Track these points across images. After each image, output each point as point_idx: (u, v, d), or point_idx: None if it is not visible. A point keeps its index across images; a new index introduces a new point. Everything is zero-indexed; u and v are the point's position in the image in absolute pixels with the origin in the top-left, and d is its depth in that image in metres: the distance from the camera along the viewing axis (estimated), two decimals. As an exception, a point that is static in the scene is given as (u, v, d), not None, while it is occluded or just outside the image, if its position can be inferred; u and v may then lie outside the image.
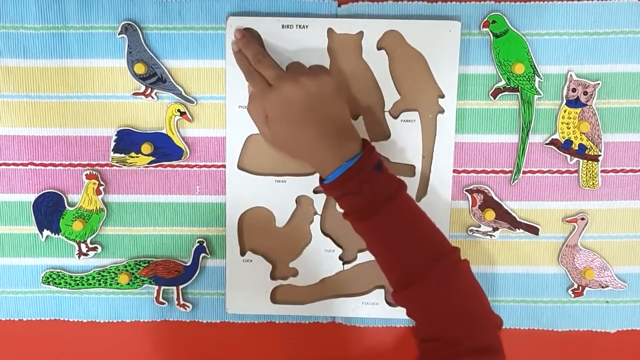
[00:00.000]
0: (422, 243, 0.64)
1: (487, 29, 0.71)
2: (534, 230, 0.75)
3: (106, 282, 0.76)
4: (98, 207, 0.74)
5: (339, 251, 0.76)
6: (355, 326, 0.78)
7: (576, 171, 0.74)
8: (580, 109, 0.73)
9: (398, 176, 0.67)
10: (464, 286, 0.64)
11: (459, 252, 0.65)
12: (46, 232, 0.75)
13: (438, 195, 0.74)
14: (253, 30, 0.70)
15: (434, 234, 0.65)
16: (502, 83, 0.72)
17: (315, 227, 0.75)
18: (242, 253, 0.75)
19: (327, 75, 0.67)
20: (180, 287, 0.76)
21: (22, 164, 0.74)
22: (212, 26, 0.71)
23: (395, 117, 0.73)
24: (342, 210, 0.67)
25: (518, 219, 0.75)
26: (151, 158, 0.74)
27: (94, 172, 0.74)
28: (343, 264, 0.76)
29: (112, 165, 0.74)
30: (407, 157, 0.73)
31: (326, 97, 0.66)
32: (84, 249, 0.75)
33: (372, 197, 0.64)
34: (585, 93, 0.72)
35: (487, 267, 0.76)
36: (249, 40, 0.69)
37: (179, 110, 0.73)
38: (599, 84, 0.72)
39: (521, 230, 0.75)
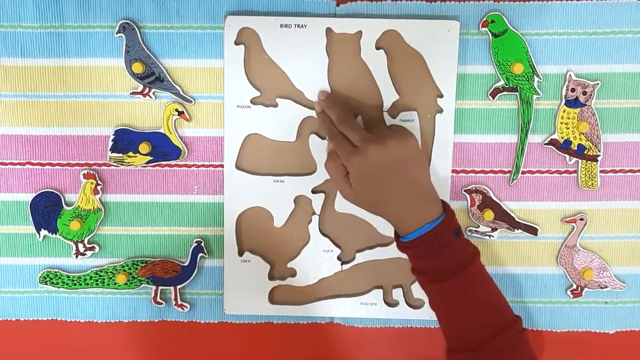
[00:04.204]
0: (488, 312, 0.65)
1: (486, 29, 0.71)
2: (532, 230, 0.75)
3: (104, 282, 0.76)
4: (95, 207, 0.74)
5: (338, 251, 0.76)
6: (354, 326, 0.78)
7: (575, 171, 0.74)
8: (579, 109, 0.72)
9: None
10: (524, 358, 0.64)
11: (521, 322, 0.66)
12: (43, 232, 0.75)
13: (437, 196, 0.74)
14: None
15: (500, 302, 0.66)
16: (501, 83, 0.72)
17: (313, 227, 0.75)
18: (240, 253, 0.75)
19: (412, 136, 0.68)
20: (178, 287, 0.76)
21: (20, 164, 0.74)
22: (210, 25, 0.71)
23: (394, 117, 0.73)
24: (410, 265, 0.67)
25: (517, 219, 0.75)
26: (149, 158, 0.73)
27: (91, 172, 0.74)
28: (341, 264, 0.76)
29: (110, 165, 0.74)
30: (405, 157, 0.73)
31: (412, 159, 0.66)
32: (81, 248, 0.75)
33: (448, 263, 0.64)
34: (584, 93, 0.72)
35: (486, 268, 0.76)
36: (333, 101, 0.70)
37: (176, 110, 0.72)
38: (598, 84, 0.72)
39: (520, 231, 0.75)
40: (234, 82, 0.72)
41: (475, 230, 0.75)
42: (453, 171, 0.74)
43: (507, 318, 0.65)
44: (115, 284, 0.76)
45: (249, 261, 0.75)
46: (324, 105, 0.71)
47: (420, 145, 0.73)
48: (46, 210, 0.74)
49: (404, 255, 0.67)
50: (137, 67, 0.71)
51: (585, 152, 0.73)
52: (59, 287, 0.76)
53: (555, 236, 0.76)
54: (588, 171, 0.74)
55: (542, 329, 0.78)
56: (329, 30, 0.71)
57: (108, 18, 0.71)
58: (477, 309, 0.65)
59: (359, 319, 0.77)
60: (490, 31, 0.71)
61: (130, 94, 0.72)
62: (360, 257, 0.76)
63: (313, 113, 0.72)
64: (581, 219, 0.75)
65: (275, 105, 0.72)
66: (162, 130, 0.73)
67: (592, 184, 0.74)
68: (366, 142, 0.65)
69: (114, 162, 0.74)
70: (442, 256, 0.64)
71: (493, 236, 0.75)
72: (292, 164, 0.73)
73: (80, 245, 0.75)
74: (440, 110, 0.72)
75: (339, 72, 0.72)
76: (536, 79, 0.72)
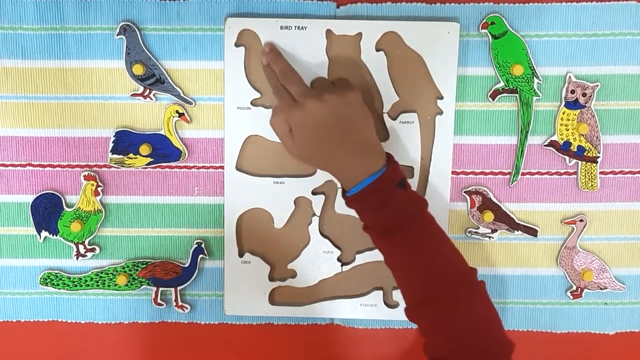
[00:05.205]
0: (441, 263, 0.64)
1: (486, 31, 0.71)
2: (532, 231, 0.75)
3: (104, 284, 0.76)
4: (96, 208, 0.74)
5: (338, 252, 0.76)
6: (354, 328, 0.78)
7: (575, 173, 0.74)
8: (579, 110, 0.72)
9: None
10: (481, 309, 0.64)
11: (476, 274, 0.65)
12: (44, 233, 0.75)
13: (437, 197, 0.74)
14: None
15: (453, 254, 0.66)
16: (501, 84, 0.72)
17: (313, 228, 0.75)
18: (241, 254, 0.75)
19: (352, 91, 0.67)
20: (179, 288, 0.76)
21: (21, 165, 0.74)
22: (210, 27, 0.71)
23: (394, 119, 0.73)
24: (362, 223, 0.67)
25: (517, 221, 0.75)
26: (149, 159, 0.73)
27: (92, 173, 0.74)
28: (341, 265, 0.76)
29: (110, 166, 0.74)
30: (405, 158, 0.73)
31: (351, 113, 0.66)
32: (82, 250, 0.75)
33: (395, 215, 0.64)
34: (584, 94, 0.72)
35: (485, 269, 0.76)
36: (277, 55, 0.70)
37: (177, 112, 0.73)
38: (597, 85, 0.72)
39: (520, 232, 0.75)
40: (235, 83, 0.72)
41: (475, 232, 0.75)
42: (453, 172, 0.74)
43: (461, 269, 0.65)
44: (115, 285, 0.76)
45: (249, 262, 0.75)
46: (268, 59, 0.70)
47: (421, 147, 0.73)
48: (47, 212, 0.74)
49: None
50: (138, 69, 0.71)
51: (585, 153, 0.73)
52: (59, 289, 0.76)
53: (555, 237, 0.76)
54: (588, 172, 0.74)
55: (542, 330, 0.78)
56: (329, 32, 0.71)
57: (109, 20, 0.71)
58: (430, 261, 0.64)
59: (359, 320, 0.78)
60: (490, 33, 0.71)
61: (131, 95, 0.72)
62: (360, 259, 0.76)
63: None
64: (581, 220, 0.75)
65: (276, 107, 0.72)
66: (162, 132, 0.73)
67: (591, 185, 0.74)
68: (305, 97, 0.65)
69: (115, 163, 0.74)
70: (387, 208, 0.64)
71: (493, 237, 0.75)
72: (292, 165, 0.73)
73: (81, 247, 0.75)
74: (440, 112, 0.72)
75: (339, 74, 0.72)
76: (536, 80, 0.72)
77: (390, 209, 0.64)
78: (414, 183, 0.73)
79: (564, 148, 0.73)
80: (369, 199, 0.64)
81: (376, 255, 0.75)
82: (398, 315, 0.76)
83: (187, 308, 0.77)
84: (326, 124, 0.65)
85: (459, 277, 0.64)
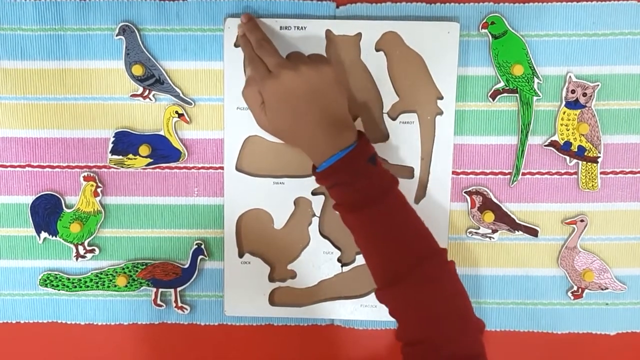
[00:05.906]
0: (410, 241, 0.64)
1: (486, 30, 0.71)
2: (533, 232, 0.75)
3: (104, 285, 0.76)
4: (96, 209, 0.74)
5: (338, 253, 0.75)
6: (354, 328, 0.78)
7: (575, 173, 0.74)
8: (579, 110, 0.72)
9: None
10: (449, 288, 0.64)
11: (446, 254, 0.65)
12: (44, 234, 0.75)
13: (437, 197, 0.74)
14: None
15: (423, 233, 0.65)
16: (501, 84, 0.72)
17: (313, 229, 0.75)
18: (241, 255, 0.75)
19: (328, 65, 0.67)
20: (178, 289, 0.76)
21: (20, 166, 0.74)
22: (210, 27, 0.71)
23: (394, 119, 0.73)
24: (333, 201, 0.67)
25: (517, 221, 0.75)
26: (149, 160, 0.73)
27: (91, 174, 0.74)
28: (341, 266, 0.76)
29: (110, 167, 0.74)
30: (405, 159, 0.73)
31: (325, 87, 0.65)
32: (81, 251, 0.75)
33: (364, 190, 0.64)
34: (584, 94, 0.72)
35: (486, 269, 0.76)
36: (254, 25, 0.69)
37: (177, 112, 0.72)
38: (598, 85, 0.72)
39: (520, 232, 0.75)
40: (234, 84, 0.72)
41: (475, 232, 0.75)
42: (453, 173, 0.74)
43: (430, 247, 0.64)
44: (115, 286, 0.76)
45: (249, 263, 0.75)
46: (245, 29, 0.69)
47: (421, 147, 0.73)
48: (46, 213, 0.74)
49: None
50: (137, 70, 0.71)
51: (586, 153, 0.73)
52: (59, 290, 0.76)
53: (555, 238, 0.76)
54: (588, 172, 0.74)
55: (543, 330, 0.78)
56: (328, 32, 0.71)
57: (108, 20, 0.71)
58: (399, 237, 0.64)
59: (360, 321, 0.77)
60: (490, 33, 0.71)
61: (130, 96, 0.72)
62: (361, 259, 0.75)
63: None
64: (581, 221, 0.75)
65: (275, 107, 0.72)
66: (162, 133, 0.73)
67: (592, 185, 0.74)
68: (280, 67, 0.65)
69: (114, 164, 0.74)
70: (357, 184, 0.63)
71: (493, 238, 0.75)
72: (292, 165, 0.73)
73: (81, 248, 0.75)
74: (441, 112, 0.72)
75: (338, 74, 0.71)
76: (536, 80, 0.72)
77: (360, 184, 0.63)
78: (414, 183, 0.73)
79: (564, 148, 0.73)
80: (339, 174, 0.64)
81: (376, 256, 0.75)
82: (398, 316, 0.76)
83: (187, 309, 0.76)
84: (299, 96, 0.64)
85: (427, 254, 0.63)
